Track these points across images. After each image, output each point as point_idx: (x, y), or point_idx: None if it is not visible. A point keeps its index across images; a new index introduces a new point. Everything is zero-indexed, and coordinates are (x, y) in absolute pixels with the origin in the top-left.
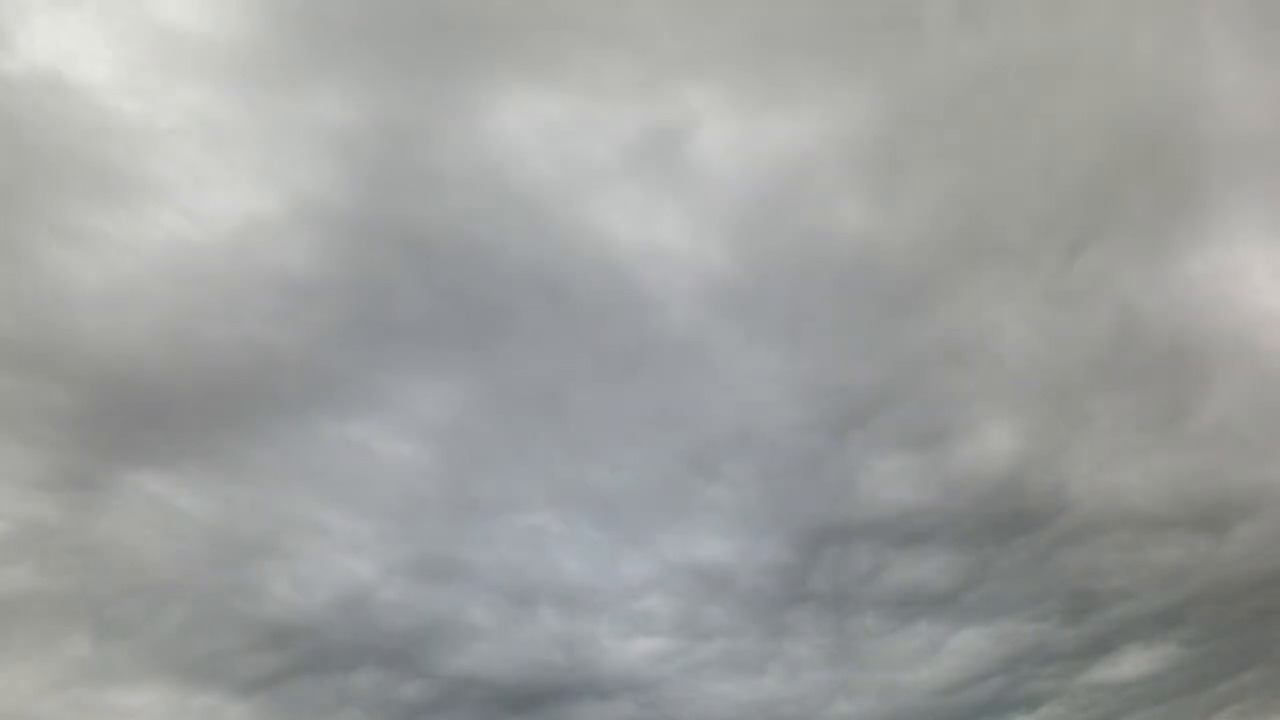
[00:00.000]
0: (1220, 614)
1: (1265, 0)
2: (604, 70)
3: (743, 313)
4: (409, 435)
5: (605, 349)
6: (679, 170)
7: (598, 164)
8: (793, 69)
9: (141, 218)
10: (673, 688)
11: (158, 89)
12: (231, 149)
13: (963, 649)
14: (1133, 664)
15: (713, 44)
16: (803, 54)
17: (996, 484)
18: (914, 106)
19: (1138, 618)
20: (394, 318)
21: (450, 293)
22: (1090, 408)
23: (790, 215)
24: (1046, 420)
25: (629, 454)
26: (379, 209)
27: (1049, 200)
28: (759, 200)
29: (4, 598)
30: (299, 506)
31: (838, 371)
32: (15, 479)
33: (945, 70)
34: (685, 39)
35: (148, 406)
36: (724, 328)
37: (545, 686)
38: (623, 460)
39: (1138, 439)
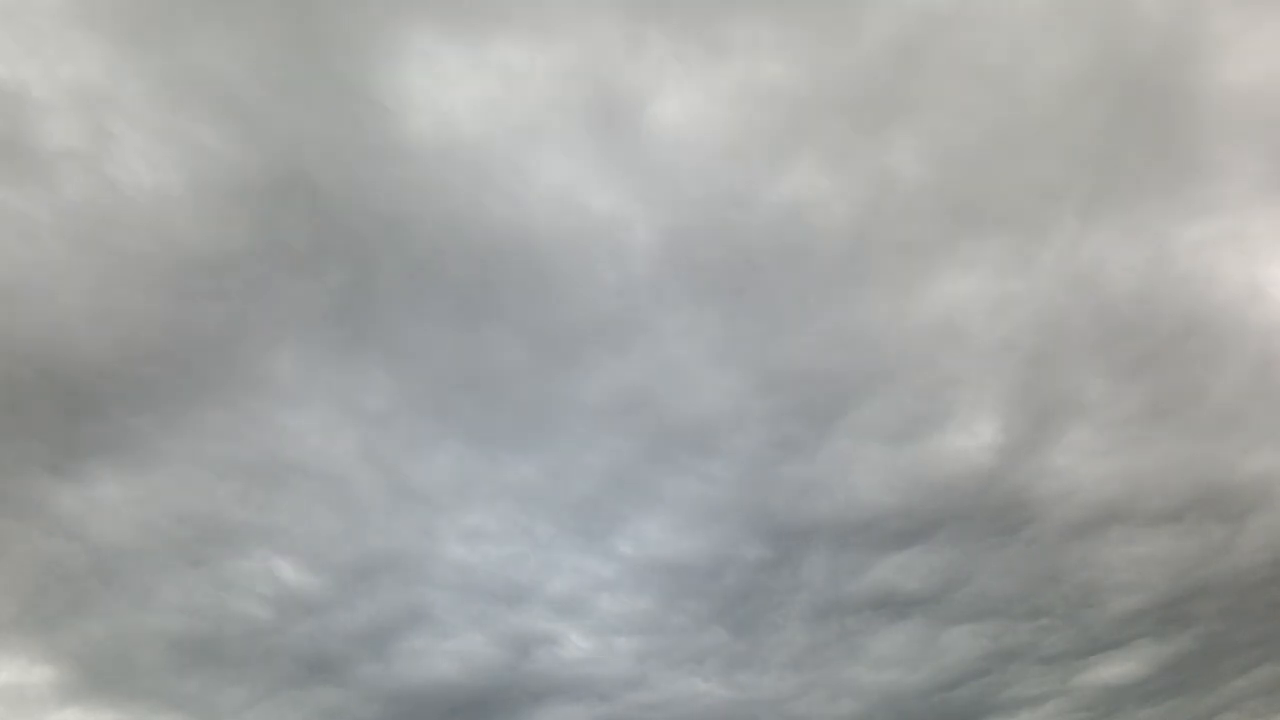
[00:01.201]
0: (1228, 609)
1: None
2: (540, 27)
3: (700, 292)
4: (342, 425)
5: (548, 331)
6: (624, 135)
7: (534, 129)
8: (754, 16)
9: (32, 193)
10: (638, 689)
11: (43, 54)
12: (127, 116)
13: (949, 649)
14: (1130, 664)
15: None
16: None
17: (982, 477)
18: (888, 59)
19: (1137, 615)
20: (320, 297)
21: (381, 271)
22: (1084, 393)
23: (752, 181)
24: (1035, 407)
25: (581, 444)
26: (300, 179)
27: (1038, 163)
28: (716, 166)
29: None
30: (223, 504)
31: (808, 356)
32: None
33: (922, 20)
34: None
35: (52, 396)
36: (681, 308)
37: (500, 691)
38: (575, 450)
39: (1136, 425)
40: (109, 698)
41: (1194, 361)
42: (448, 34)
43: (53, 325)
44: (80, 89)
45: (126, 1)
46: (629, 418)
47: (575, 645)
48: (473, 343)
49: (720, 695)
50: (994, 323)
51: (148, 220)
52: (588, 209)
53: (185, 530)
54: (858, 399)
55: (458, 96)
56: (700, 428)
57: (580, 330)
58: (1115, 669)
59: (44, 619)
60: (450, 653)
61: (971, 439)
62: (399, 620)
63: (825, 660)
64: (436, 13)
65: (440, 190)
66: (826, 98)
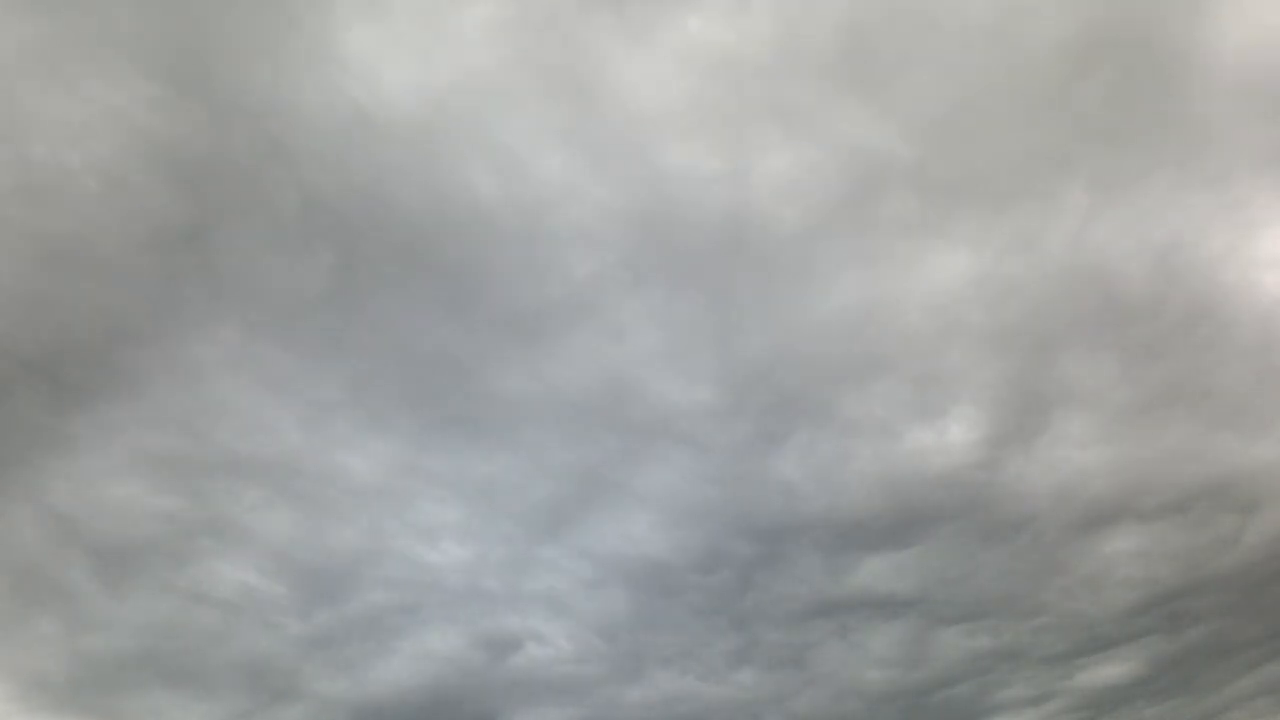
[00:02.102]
0: (1230, 605)
1: None
2: None
3: (667, 275)
4: (285, 415)
5: (502, 314)
6: (582, 107)
7: (482, 101)
8: None
9: None
10: (607, 691)
11: None
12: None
13: (941, 649)
14: (1129, 664)
15: None
16: None
17: (974, 472)
18: (863, 20)
19: (1137, 612)
20: (257, 280)
21: (323, 251)
22: (1082, 382)
23: (720, 156)
24: (1031, 398)
25: (545, 436)
26: (232, 154)
27: (1030, 136)
28: (678, 141)
29: None
30: (164, 504)
31: (786, 345)
32: None
33: None
34: None
35: None
36: (647, 292)
37: (463, 698)
38: (539, 443)
39: (1137, 416)
40: None
41: (1201, 348)
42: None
43: None
44: None
45: None
46: (596, 409)
47: (548, 646)
48: (424, 328)
49: (702, 694)
50: (985, 308)
51: (69, 199)
52: (544, 185)
53: (125, 534)
54: (839, 391)
55: (396, 64)
56: (673, 421)
57: (541, 315)
58: (1114, 669)
59: None
60: (415, 657)
61: (963, 432)
62: (357, 625)
63: (811, 660)
64: None
65: (386, 165)
66: (795, 64)
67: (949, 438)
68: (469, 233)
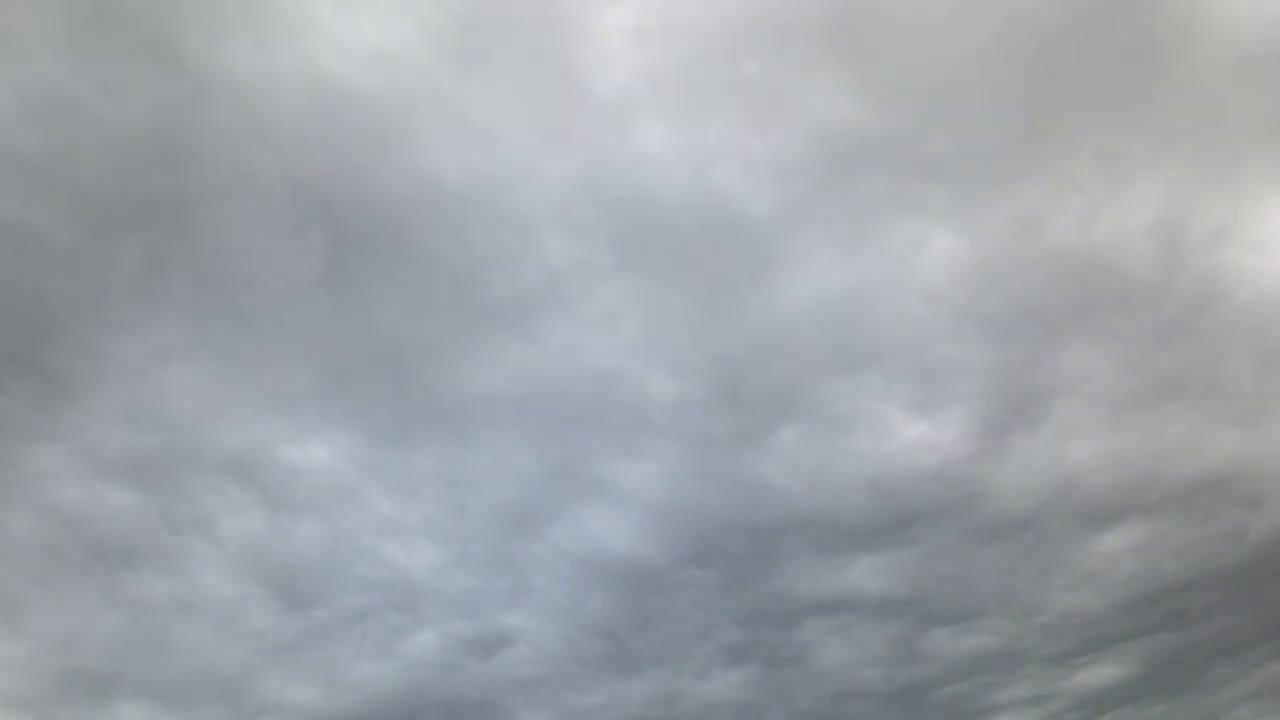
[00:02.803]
0: (1230, 602)
1: None
2: None
3: (639, 261)
4: (236, 408)
5: (467, 301)
6: (543, 65)
7: (442, 68)
8: None
9: None
10: (581, 697)
11: None
12: None
13: (928, 652)
14: (1126, 664)
15: None
16: None
17: (959, 469)
18: None
19: (1138, 609)
20: (200, 265)
21: (290, 237)
22: (1074, 373)
23: (687, 129)
24: (1020, 388)
25: (516, 431)
26: (164, 132)
27: (1018, 105)
28: (644, 112)
29: None
30: (112, 507)
31: (756, 336)
32: None
33: None
34: None
35: None
36: (617, 278)
37: (443, 703)
38: (511, 439)
39: (1133, 407)
40: None
41: (1207, 337)
42: None
43: None
44: None
45: None
46: (572, 403)
47: (527, 646)
48: (393, 318)
49: (691, 694)
50: (971, 294)
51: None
52: (511, 165)
53: (86, 537)
54: (825, 382)
55: (345, 39)
56: (641, 417)
57: (515, 304)
58: (1114, 668)
59: None
60: (391, 660)
61: (956, 425)
62: (329, 628)
63: (804, 659)
64: None
65: (338, 143)
66: (769, 34)
67: (941, 431)
68: (435, 216)
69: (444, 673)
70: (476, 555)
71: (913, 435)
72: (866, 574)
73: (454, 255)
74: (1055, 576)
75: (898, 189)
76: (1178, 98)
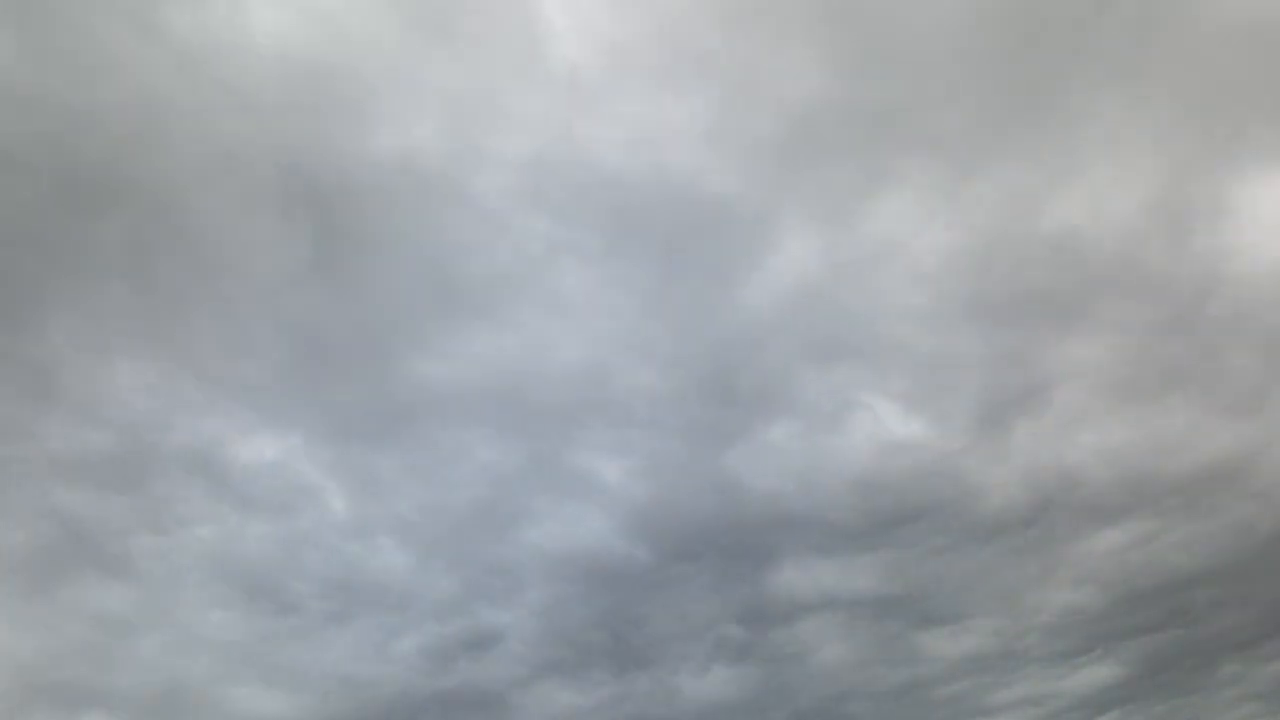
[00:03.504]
0: (1231, 598)
1: None
2: None
3: (611, 245)
4: (186, 401)
5: (435, 286)
6: (511, 39)
7: (400, 27)
8: None
9: None
10: (553, 703)
11: None
12: None
13: (923, 652)
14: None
15: None
16: None
17: (946, 466)
18: None
19: (1139, 605)
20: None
21: (203, 219)
22: (1071, 361)
23: (647, 102)
24: (1014, 379)
25: (467, 429)
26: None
27: (992, 74)
28: (623, 90)
29: None
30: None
31: (735, 325)
32: None
33: None
34: None
35: None
36: (576, 267)
37: (401, 711)
38: (459, 438)
39: (1134, 398)
40: None
41: (1209, 324)
42: None
43: None
44: None
45: None
46: (533, 398)
47: (499, 648)
48: (341, 303)
49: (678, 691)
50: (962, 279)
51: None
52: (470, 150)
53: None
54: (801, 375)
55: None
56: (620, 410)
57: (470, 292)
58: (1110, 668)
59: None
60: (358, 663)
61: (939, 421)
62: (288, 631)
63: (787, 660)
64: None
65: (280, 119)
66: (719, 6)
67: (933, 425)
68: (401, 196)
69: (420, 675)
70: (449, 555)
71: (904, 430)
72: (858, 573)
73: (421, 237)
74: (1054, 573)
75: (881, 167)
76: (1180, 70)
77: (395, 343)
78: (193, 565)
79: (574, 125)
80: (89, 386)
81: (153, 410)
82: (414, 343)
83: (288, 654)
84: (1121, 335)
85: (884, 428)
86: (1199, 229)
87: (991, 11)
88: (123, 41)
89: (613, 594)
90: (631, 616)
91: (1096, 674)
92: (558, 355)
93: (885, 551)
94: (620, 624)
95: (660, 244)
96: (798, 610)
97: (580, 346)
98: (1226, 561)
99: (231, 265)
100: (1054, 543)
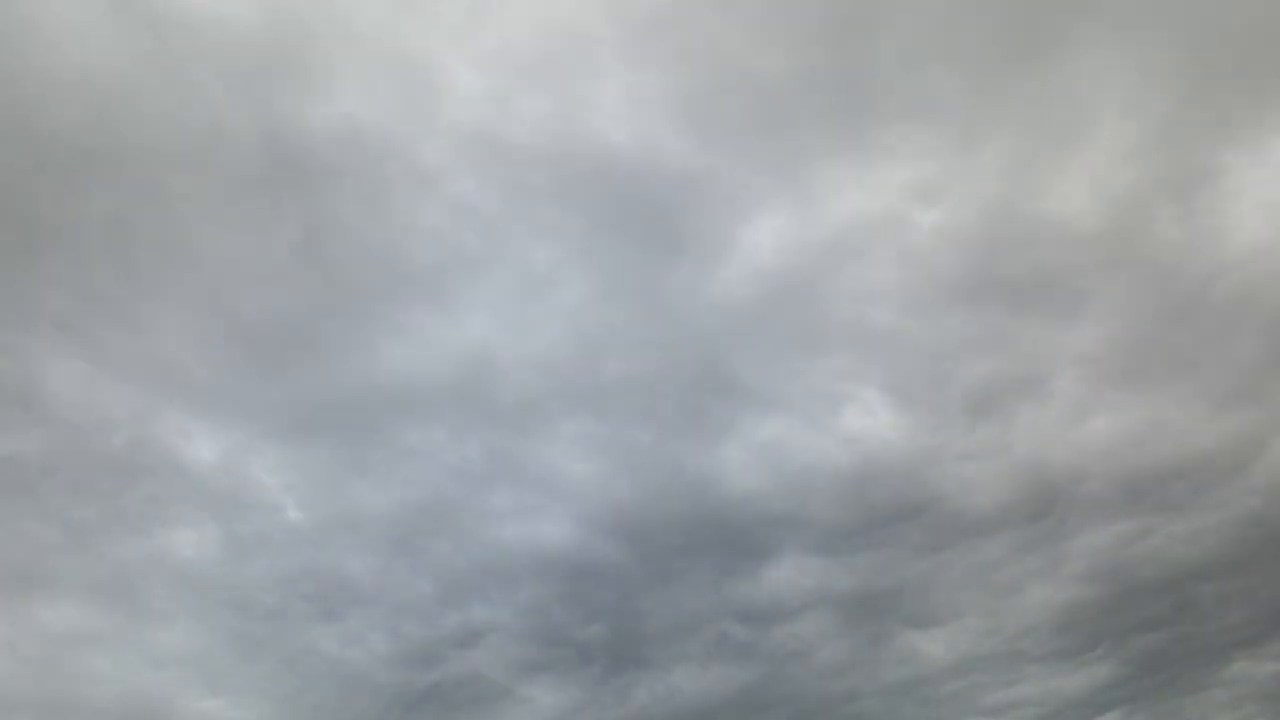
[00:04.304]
0: (1231, 594)
1: None
2: None
3: (544, 225)
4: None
5: (381, 269)
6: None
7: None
8: None
9: None
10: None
11: None
12: None
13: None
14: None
15: None
16: None
17: (927, 461)
18: None
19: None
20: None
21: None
22: (1062, 347)
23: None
24: (1004, 367)
25: (422, 424)
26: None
27: (976, 33)
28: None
29: None
30: None
31: (707, 306)
32: None
33: None
34: None
35: None
36: (546, 238)
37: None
38: (414, 433)
39: (1127, 386)
40: None
41: (1215, 312)
42: None
43: None
44: None
45: None
46: (488, 390)
47: (473, 651)
48: (268, 293)
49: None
50: (945, 261)
51: None
52: (416, 117)
53: None
54: (775, 365)
55: None
56: (576, 402)
57: (419, 275)
58: (1104, 669)
59: None
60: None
61: (917, 412)
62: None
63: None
64: None
65: (189, 90)
66: None
67: (910, 416)
68: (344, 169)
69: (385, 679)
70: (411, 556)
71: (891, 422)
72: (842, 573)
73: (371, 216)
74: (1052, 570)
75: (848, 139)
76: (1183, 34)
77: (349, 330)
78: (146, 575)
79: (516, 99)
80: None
81: (89, 409)
82: (366, 330)
83: (245, 662)
84: (1119, 320)
85: (869, 421)
86: (1201, 206)
87: None
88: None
89: (585, 593)
90: (608, 616)
91: (1096, 673)
92: (519, 343)
93: (871, 551)
94: (596, 624)
95: (626, 225)
96: (779, 612)
97: (541, 334)
98: (1229, 556)
99: (168, 252)
100: (1051, 538)
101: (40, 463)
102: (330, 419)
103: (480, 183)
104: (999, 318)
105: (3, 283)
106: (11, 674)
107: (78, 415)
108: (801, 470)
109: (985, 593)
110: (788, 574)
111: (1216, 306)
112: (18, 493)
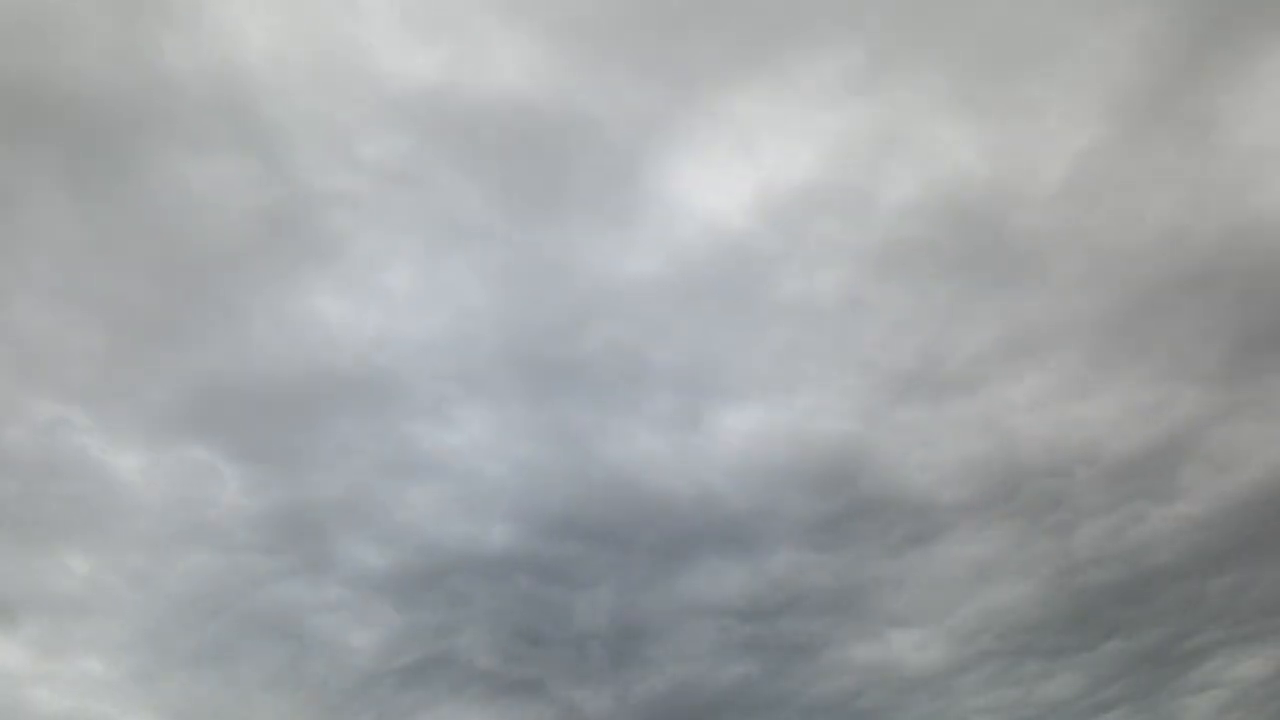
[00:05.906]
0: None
1: None
2: None
3: (435, 175)
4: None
5: (219, 246)
6: None
7: None
8: None
9: None
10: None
11: None
12: None
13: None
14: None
15: None
16: None
17: (873, 450)
18: None
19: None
20: None
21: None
22: (1041, 326)
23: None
24: (952, 348)
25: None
26: None
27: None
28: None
29: None
30: None
31: (602, 287)
32: None
33: None
34: None
35: None
36: (407, 195)
37: None
38: (297, 423)
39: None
40: None
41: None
42: None
43: None
44: None
45: None
46: (368, 379)
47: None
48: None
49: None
50: (898, 219)
51: None
52: (256, 69)
53: None
54: (689, 342)
55: None
56: (462, 385)
57: (264, 251)
58: (1081, 676)
59: None
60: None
61: (863, 396)
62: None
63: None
64: None
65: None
66: None
67: (859, 400)
68: (170, 129)
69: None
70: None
71: (829, 410)
72: (759, 576)
73: (195, 176)
74: (1014, 570)
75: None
76: None
77: (207, 315)
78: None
79: (361, 32)
80: None
81: None
82: (230, 313)
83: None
84: (1082, 295)
85: (802, 408)
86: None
87: None
88: None
89: (475, 591)
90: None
91: (1068, 681)
92: (381, 326)
93: (809, 552)
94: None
95: (511, 178)
96: (684, 616)
97: (413, 313)
98: (1205, 552)
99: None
100: (1019, 535)
101: None
102: (201, 412)
103: (335, 132)
104: (951, 292)
105: None
106: None
107: None
108: (716, 464)
109: (949, 591)
110: (699, 577)
111: (1177, 281)
112: None
